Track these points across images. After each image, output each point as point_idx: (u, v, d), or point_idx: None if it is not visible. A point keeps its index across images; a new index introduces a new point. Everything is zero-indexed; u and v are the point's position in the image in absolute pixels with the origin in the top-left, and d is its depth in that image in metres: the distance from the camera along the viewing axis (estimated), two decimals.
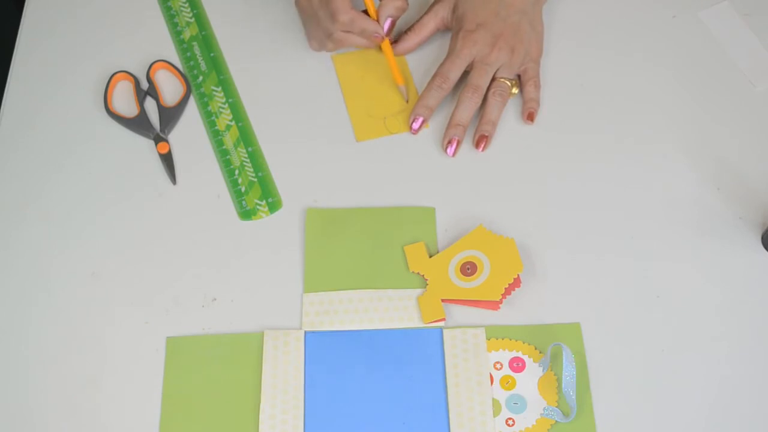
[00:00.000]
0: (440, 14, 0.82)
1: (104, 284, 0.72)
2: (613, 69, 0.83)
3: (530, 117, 0.79)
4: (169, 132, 0.79)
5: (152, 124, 0.79)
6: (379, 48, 0.80)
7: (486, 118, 0.78)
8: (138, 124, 0.79)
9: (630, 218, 0.74)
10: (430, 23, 0.82)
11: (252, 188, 0.76)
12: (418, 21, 0.83)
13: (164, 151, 0.76)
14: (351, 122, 0.79)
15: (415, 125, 0.78)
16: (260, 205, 0.76)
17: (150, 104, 0.81)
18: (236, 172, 0.77)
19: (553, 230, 0.74)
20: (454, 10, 0.81)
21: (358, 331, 0.70)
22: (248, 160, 0.78)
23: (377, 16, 0.77)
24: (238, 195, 0.76)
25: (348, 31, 0.77)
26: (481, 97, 0.78)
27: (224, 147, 0.78)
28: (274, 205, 0.76)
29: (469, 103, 0.78)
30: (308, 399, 0.67)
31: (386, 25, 0.78)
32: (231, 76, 0.83)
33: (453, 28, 0.82)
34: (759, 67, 0.82)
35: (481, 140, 0.77)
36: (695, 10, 0.86)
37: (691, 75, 0.82)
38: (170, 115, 0.79)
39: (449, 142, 0.77)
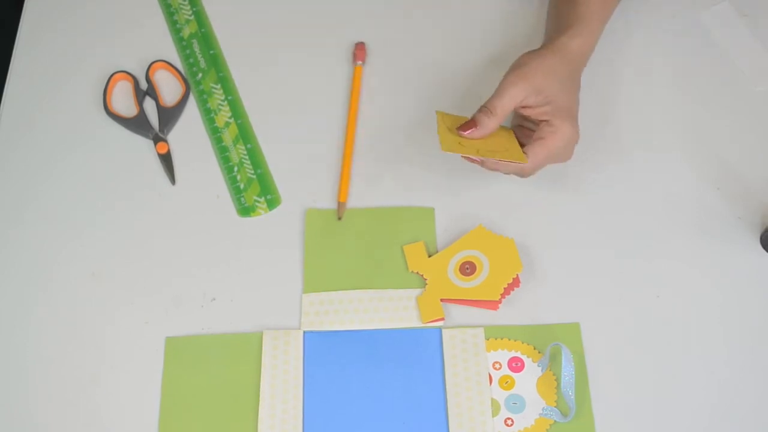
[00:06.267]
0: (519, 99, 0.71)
1: (104, 284, 0.72)
2: (613, 69, 0.83)
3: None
4: (168, 132, 0.79)
5: (151, 124, 0.79)
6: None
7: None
8: (137, 124, 0.79)
9: (629, 218, 0.74)
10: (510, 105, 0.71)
11: (251, 185, 0.76)
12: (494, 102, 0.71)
13: (163, 151, 0.77)
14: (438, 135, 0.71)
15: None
16: (259, 201, 0.76)
17: (149, 104, 0.81)
18: (235, 169, 0.77)
19: (553, 230, 0.74)
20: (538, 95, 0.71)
21: (357, 331, 0.70)
22: (247, 157, 0.78)
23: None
24: (236, 192, 0.76)
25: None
26: None
27: (223, 144, 0.78)
28: (272, 202, 0.76)
29: None
30: (307, 399, 0.67)
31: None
32: (230, 73, 0.83)
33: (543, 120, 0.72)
34: (759, 67, 0.82)
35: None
36: (695, 10, 0.86)
37: (691, 75, 0.82)
38: (169, 116, 0.79)
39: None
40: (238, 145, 0.78)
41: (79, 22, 0.86)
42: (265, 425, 0.66)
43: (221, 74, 0.82)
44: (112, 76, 0.81)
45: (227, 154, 0.78)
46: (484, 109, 0.71)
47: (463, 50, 0.84)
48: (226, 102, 0.81)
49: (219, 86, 0.82)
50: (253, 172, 0.77)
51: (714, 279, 0.72)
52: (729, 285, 0.71)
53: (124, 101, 0.81)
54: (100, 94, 0.81)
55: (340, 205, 0.75)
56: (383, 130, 0.79)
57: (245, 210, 0.75)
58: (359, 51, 0.82)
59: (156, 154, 0.78)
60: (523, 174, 0.72)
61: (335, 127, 0.80)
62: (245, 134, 0.79)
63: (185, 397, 0.67)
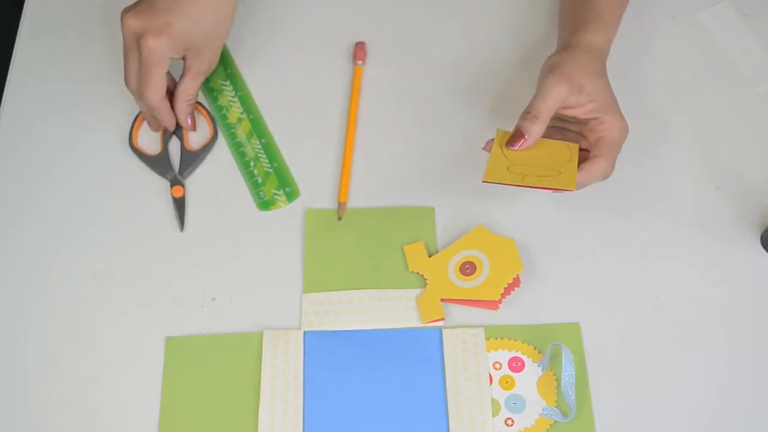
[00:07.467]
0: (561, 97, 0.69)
1: (104, 284, 0.72)
2: (612, 69, 0.82)
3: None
4: (187, 176, 0.76)
5: (172, 165, 0.77)
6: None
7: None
8: (158, 163, 0.76)
9: (629, 218, 0.74)
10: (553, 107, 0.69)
11: (268, 179, 0.77)
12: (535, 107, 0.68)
13: (178, 195, 0.74)
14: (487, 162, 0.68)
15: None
16: (278, 194, 0.76)
17: (174, 145, 0.78)
18: (251, 163, 0.77)
19: (553, 230, 0.74)
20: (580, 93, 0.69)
21: (357, 331, 0.70)
22: (262, 151, 0.78)
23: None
24: (255, 186, 0.76)
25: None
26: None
27: (237, 140, 0.79)
28: (291, 194, 0.76)
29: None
30: (307, 399, 0.67)
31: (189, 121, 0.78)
32: (238, 70, 0.83)
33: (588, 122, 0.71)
34: (759, 67, 0.82)
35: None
36: (694, 10, 0.86)
37: (691, 75, 0.82)
38: (192, 159, 0.77)
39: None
40: (252, 140, 0.78)
41: (80, 22, 0.86)
42: (265, 425, 0.66)
43: (229, 71, 0.83)
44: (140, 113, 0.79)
45: (242, 149, 0.78)
46: (528, 115, 0.68)
47: (463, 50, 0.84)
48: (236, 98, 0.81)
49: (228, 83, 0.82)
50: (269, 165, 0.77)
51: (714, 279, 0.72)
52: (729, 285, 0.71)
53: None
54: (101, 93, 0.80)
55: (340, 205, 0.75)
56: (383, 130, 0.80)
57: (265, 204, 0.76)
58: (359, 51, 0.82)
59: (170, 196, 0.76)
60: (604, 179, 0.70)
61: (335, 126, 0.80)
62: (258, 129, 0.79)
63: (185, 397, 0.67)
